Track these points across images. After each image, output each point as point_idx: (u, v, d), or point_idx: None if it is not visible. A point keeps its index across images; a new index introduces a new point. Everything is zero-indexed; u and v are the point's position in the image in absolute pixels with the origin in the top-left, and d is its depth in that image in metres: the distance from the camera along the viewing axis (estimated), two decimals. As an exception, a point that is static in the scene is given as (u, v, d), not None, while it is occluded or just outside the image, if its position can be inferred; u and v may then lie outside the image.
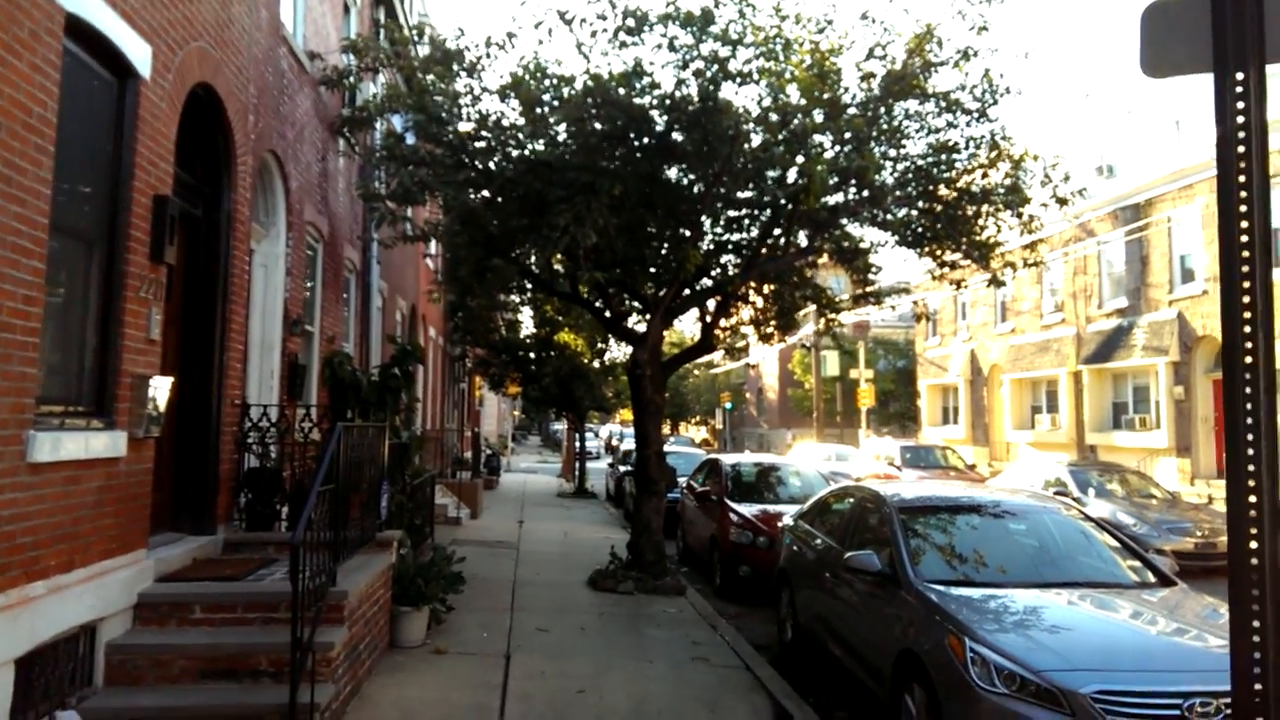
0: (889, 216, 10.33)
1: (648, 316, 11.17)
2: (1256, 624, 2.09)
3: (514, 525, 16.17)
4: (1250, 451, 2.12)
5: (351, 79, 9.92)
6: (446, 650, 7.10)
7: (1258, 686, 2.05)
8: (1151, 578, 5.96)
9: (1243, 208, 1.95)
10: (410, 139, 9.74)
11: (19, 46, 4.03)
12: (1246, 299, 2.02)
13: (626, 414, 42.73)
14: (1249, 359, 2.07)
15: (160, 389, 5.48)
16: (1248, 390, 2.08)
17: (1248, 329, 2.05)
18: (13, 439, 4.09)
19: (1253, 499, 2.11)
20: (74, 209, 4.82)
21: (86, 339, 5.00)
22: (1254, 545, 2.10)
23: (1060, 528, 6.59)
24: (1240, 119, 1.91)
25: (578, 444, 26.24)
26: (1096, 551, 6.29)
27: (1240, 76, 1.91)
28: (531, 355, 22.84)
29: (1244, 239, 1.94)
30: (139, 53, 5.19)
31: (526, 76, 8.55)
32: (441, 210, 11.28)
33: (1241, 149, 1.92)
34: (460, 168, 8.91)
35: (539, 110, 8.58)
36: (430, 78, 9.42)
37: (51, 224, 4.38)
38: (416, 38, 9.53)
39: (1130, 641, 4.90)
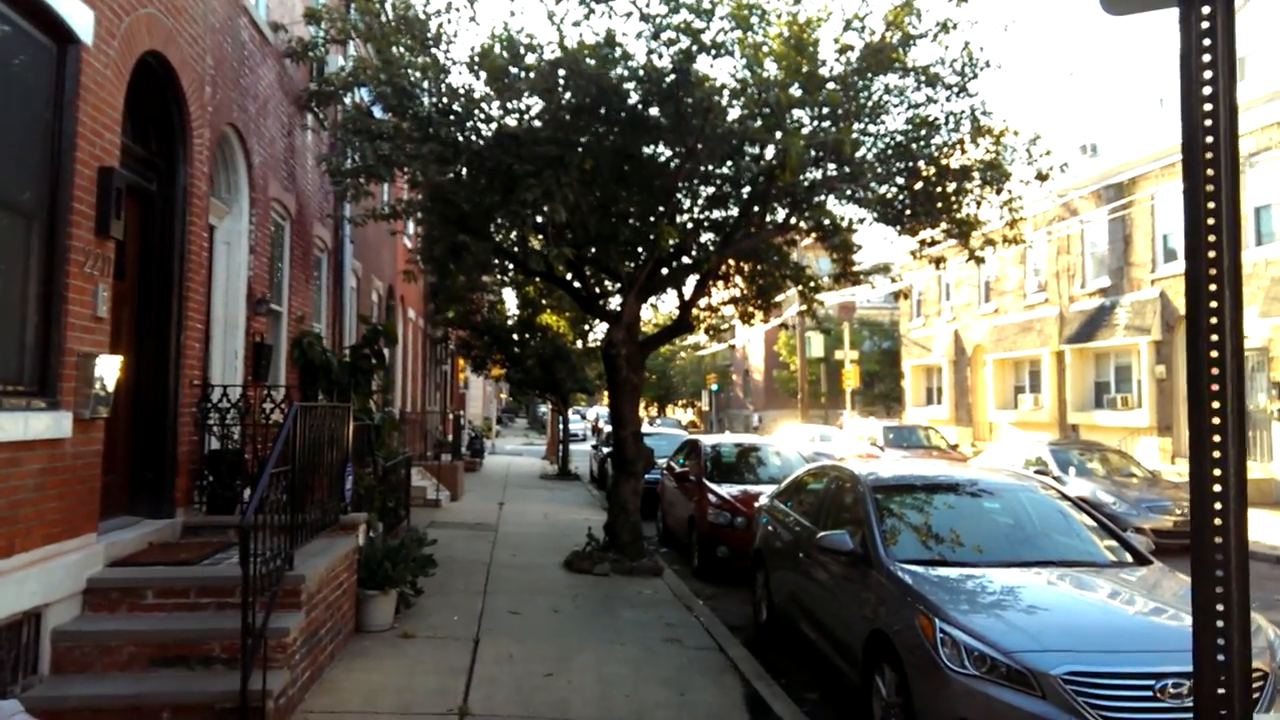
0: (868, 193, 10.19)
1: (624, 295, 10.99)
2: (1220, 607, 1.97)
3: (494, 507, 16.05)
4: (1216, 421, 1.98)
5: (317, 51, 9.66)
6: (414, 634, 6.97)
7: (1222, 677, 1.93)
8: (1128, 557, 5.87)
9: (1209, 154, 1.80)
10: (378, 112, 9.51)
11: (-62, 5, 3.82)
12: (1212, 254, 1.87)
13: (612, 396, 42.55)
14: (1214, 319, 1.93)
15: (108, 368, 5.29)
16: (1213, 354, 1.94)
17: (1213, 286, 1.90)
18: (-60, 419, 3.91)
19: (1217, 472, 1.97)
20: (10, 180, 4.61)
21: (28, 316, 4.79)
22: (1219, 522, 1.97)
23: (1036, 506, 6.50)
24: (1207, 56, 1.76)
25: (561, 426, 26.10)
26: (1073, 530, 6.20)
27: (1206, 10, 1.75)
28: (514, 337, 22.64)
29: (1210, 188, 1.79)
30: (79, 17, 4.96)
31: (495, 46, 8.34)
32: (408, 186, 11.05)
33: (1208, 89, 1.77)
34: (426, 141, 8.69)
35: (507, 81, 8.36)
36: (398, 50, 9.19)
37: (-19, 195, 4.18)
38: (381, 4, 9.26)
39: (1104, 622, 4.80)
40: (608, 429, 24.41)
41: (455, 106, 8.80)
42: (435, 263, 12.95)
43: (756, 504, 9.20)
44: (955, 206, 9.84)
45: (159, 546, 6.15)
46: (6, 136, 4.51)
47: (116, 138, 5.48)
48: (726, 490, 11.05)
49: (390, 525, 9.99)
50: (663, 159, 9.45)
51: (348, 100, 9.96)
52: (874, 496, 6.16)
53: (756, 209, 10.09)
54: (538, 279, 15.96)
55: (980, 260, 10.27)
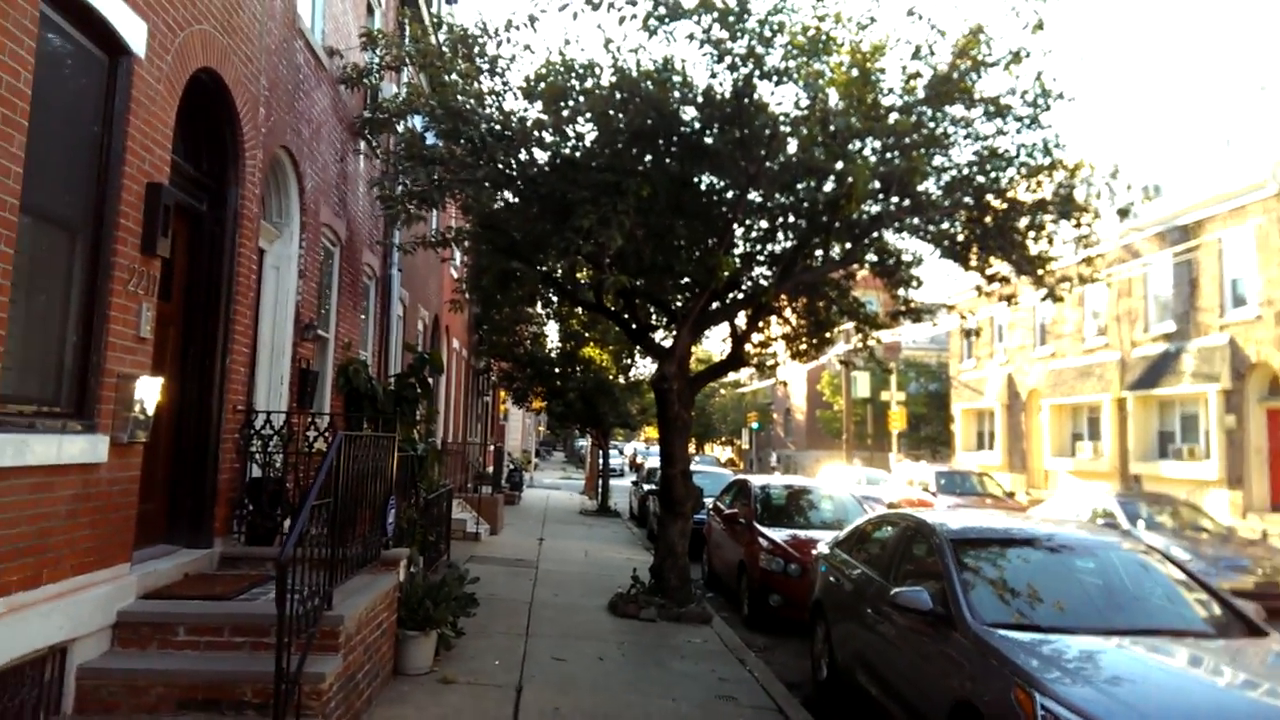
0: (932, 227, 9.79)
1: (674, 329, 10.66)
2: None
3: (534, 543, 15.68)
4: None
5: (372, 78, 9.56)
6: (454, 679, 6.60)
7: None
8: (1235, 624, 5.33)
9: None
10: (430, 138, 9.36)
11: (-13, 6, 3.64)
12: None
13: (651, 431, 42.19)
14: None
15: (148, 391, 5.06)
16: None
17: None
18: (-31, 440, 3.67)
19: None
20: (54, 192, 4.42)
21: (67, 334, 4.58)
22: None
23: (1128, 565, 5.98)
24: None
25: (601, 461, 25.75)
26: (1171, 593, 5.67)
27: None
28: (556, 370, 22.43)
29: None
30: (132, 29, 4.80)
31: (550, 73, 8.13)
32: (460, 213, 10.85)
33: None
34: (480, 167, 8.48)
35: (563, 105, 8.13)
36: (453, 77, 9.04)
37: (24, 206, 3.97)
38: (435, 28, 9.13)
39: (1228, 704, 4.27)
40: (648, 464, 24.03)
41: (508, 132, 8.58)
42: (482, 292, 12.76)
43: (813, 551, 8.73)
44: (1028, 241, 9.39)
45: (195, 578, 5.89)
46: (52, 147, 4.32)
47: (166, 154, 5.30)
48: (778, 534, 10.57)
49: (431, 560, 9.68)
50: (721, 187, 9.15)
51: (401, 127, 9.84)
52: (953, 551, 5.69)
53: (816, 241, 9.72)
54: (582, 311, 15.68)
55: (1059, 299, 9.76)
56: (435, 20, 9.62)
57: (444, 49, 9.15)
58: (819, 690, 7.34)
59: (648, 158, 8.76)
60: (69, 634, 4.46)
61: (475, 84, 9.02)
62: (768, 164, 8.30)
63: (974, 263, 10.14)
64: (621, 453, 54.07)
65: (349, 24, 9.82)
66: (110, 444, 4.76)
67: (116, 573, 4.96)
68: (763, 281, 10.81)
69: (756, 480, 13.18)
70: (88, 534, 4.62)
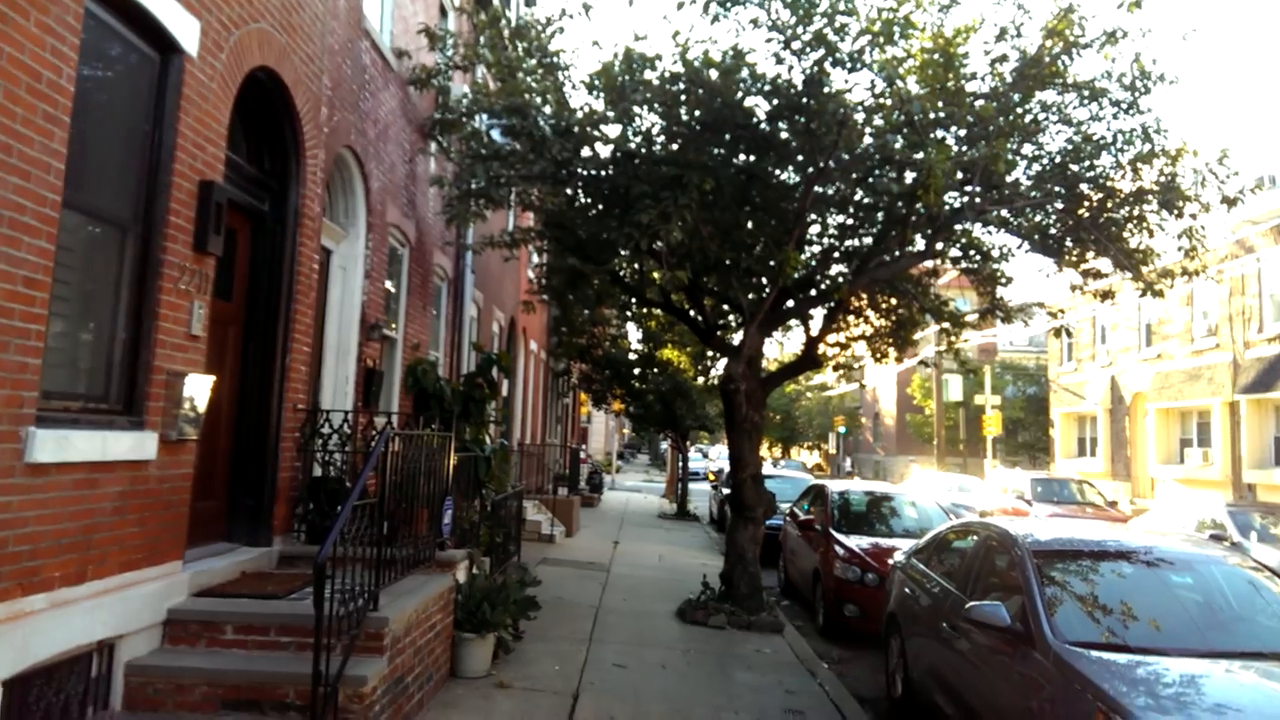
0: (1021, 219, 9.25)
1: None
2: None
3: (608, 546, 15.54)
4: None
5: (441, 78, 9.54)
6: (510, 684, 6.47)
7: None
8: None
9: None
10: (496, 135, 9.28)
11: (24, 3, 3.64)
12: None
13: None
14: None
15: (198, 388, 5.06)
16: None
17: None
18: (7, 435, 3.67)
19: None
20: (101, 189, 4.45)
21: (116, 331, 4.61)
22: None
23: (1233, 582, 5.44)
24: None
25: (681, 464, 25.49)
26: (1281, 614, 5.13)
27: None
28: (634, 371, 22.29)
29: None
30: (182, 27, 4.80)
31: (614, 61, 7.93)
32: (525, 211, 10.76)
33: None
34: (538, 161, 8.35)
35: (623, 94, 7.91)
36: (521, 75, 8.95)
37: (67, 203, 3.98)
38: (496, 22, 9.04)
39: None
40: (721, 468, 23.68)
41: (572, 127, 8.42)
42: (554, 293, 12.68)
43: (890, 560, 8.31)
44: (1127, 234, 8.75)
45: (252, 576, 5.89)
46: (98, 144, 4.34)
47: (220, 151, 5.31)
48: (855, 542, 10.14)
49: (499, 561, 9.61)
50: (791, 182, 8.80)
51: (469, 127, 9.80)
52: (1034, 562, 5.26)
53: (893, 234, 9.28)
54: (658, 311, 15.47)
55: (1160, 294, 9.07)
56: (498, 15, 9.53)
57: (507, 43, 9.06)
58: (893, 707, 6.93)
59: (714, 150, 8.50)
60: (115, 630, 4.46)
61: (541, 80, 8.90)
62: (840, 152, 7.92)
63: (1068, 258, 9.55)
64: (706, 456, 53.63)
65: (419, 26, 9.84)
66: (159, 441, 4.76)
67: (168, 570, 4.97)
68: (839, 279, 10.41)
69: (834, 486, 12.73)
70: (136, 531, 4.63)
